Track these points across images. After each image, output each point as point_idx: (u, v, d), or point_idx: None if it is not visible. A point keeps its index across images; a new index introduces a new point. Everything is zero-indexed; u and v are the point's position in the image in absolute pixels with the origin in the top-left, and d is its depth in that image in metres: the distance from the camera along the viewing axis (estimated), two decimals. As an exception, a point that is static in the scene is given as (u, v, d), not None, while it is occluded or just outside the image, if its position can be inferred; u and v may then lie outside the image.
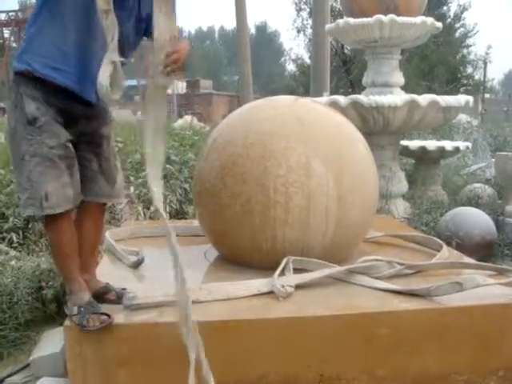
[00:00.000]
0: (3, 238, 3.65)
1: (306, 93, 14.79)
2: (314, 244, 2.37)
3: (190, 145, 6.84)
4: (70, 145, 1.91)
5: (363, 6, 4.97)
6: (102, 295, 2.03)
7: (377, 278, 2.28)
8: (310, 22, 21.78)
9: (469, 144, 6.26)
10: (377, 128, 4.60)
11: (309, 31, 22.90)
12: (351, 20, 4.88)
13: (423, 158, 5.77)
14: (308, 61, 23.92)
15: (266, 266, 2.31)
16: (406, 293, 2.12)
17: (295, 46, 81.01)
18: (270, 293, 2.12)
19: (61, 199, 1.84)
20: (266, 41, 68.64)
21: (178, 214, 4.71)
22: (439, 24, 5.05)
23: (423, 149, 5.64)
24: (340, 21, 5.07)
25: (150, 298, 2.00)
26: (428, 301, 2.06)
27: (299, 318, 1.96)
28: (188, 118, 17.50)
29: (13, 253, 3.36)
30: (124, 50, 1.93)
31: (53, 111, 1.86)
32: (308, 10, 22.94)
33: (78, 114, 1.94)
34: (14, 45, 32.71)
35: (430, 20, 4.87)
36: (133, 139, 6.71)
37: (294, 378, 1.94)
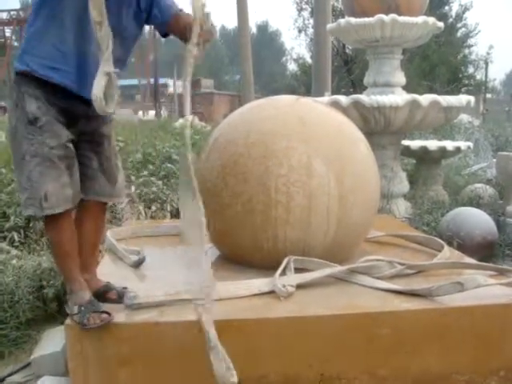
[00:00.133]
0: (4, 237, 3.65)
1: (308, 92, 14.77)
2: (315, 244, 2.37)
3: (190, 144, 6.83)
4: (71, 145, 1.92)
5: (365, 6, 4.96)
6: (102, 294, 2.03)
7: (378, 278, 2.28)
8: (311, 21, 21.79)
9: (470, 144, 6.25)
10: (378, 128, 4.60)
11: (310, 31, 22.92)
12: (353, 20, 4.87)
13: (424, 157, 5.76)
14: (309, 60, 23.92)
15: (267, 265, 2.31)
16: (407, 293, 2.12)
17: (296, 46, 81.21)
18: (271, 292, 2.12)
19: (60, 199, 1.84)
20: (267, 40, 68.62)
21: (178, 214, 4.70)
22: (441, 24, 5.04)
23: (424, 149, 5.63)
24: (341, 20, 5.06)
25: (151, 297, 2.00)
26: (429, 301, 2.06)
27: (300, 318, 1.96)
28: (189, 117, 17.51)
29: (14, 252, 3.37)
30: (125, 43, 1.94)
31: (54, 111, 1.86)
32: (309, 9, 22.92)
33: (79, 113, 1.94)
34: (15, 44, 32.75)
35: (431, 20, 4.86)
36: (134, 138, 6.72)
37: (295, 378, 1.94)
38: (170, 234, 3.10)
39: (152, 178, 4.93)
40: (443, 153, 5.68)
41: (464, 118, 11.53)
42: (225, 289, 2.09)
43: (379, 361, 1.98)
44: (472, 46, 27.36)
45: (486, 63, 27.17)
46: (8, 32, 32.93)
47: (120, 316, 1.90)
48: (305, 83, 22.21)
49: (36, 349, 2.37)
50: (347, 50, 21.37)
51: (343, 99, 4.54)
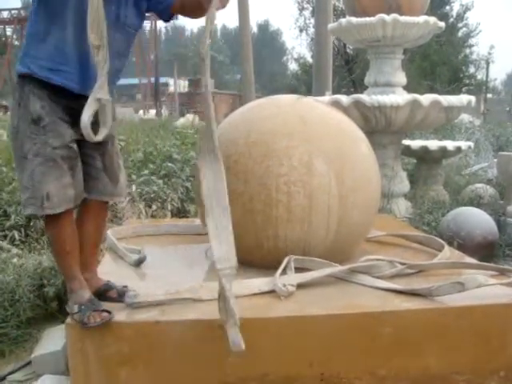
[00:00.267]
0: (5, 236, 3.66)
1: (308, 92, 14.77)
2: (315, 243, 2.37)
3: (191, 143, 6.86)
4: (74, 145, 1.91)
5: (366, 6, 4.96)
6: (103, 293, 2.03)
7: (378, 278, 2.28)
8: (312, 21, 21.76)
9: (471, 144, 6.25)
10: (379, 127, 4.60)
11: (311, 30, 22.88)
12: (354, 19, 4.87)
13: (425, 157, 5.76)
14: (310, 60, 23.92)
15: (267, 264, 2.31)
16: (408, 292, 2.12)
17: (297, 45, 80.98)
18: (272, 292, 2.11)
19: (62, 199, 1.84)
20: (268, 40, 68.66)
21: (179, 213, 4.72)
22: (442, 23, 5.04)
23: (425, 148, 5.64)
24: (342, 20, 5.06)
25: (152, 296, 2.00)
26: (429, 300, 2.06)
27: (300, 317, 1.96)
28: (190, 116, 17.55)
29: (15, 250, 3.37)
30: (125, 33, 1.94)
31: (59, 110, 1.86)
32: (310, 8, 22.89)
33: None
34: (16, 43, 32.77)
35: (432, 19, 4.85)
36: (134, 137, 6.72)
37: (295, 377, 1.94)
38: (171, 233, 3.10)
39: (153, 177, 4.93)
40: (444, 152, 5.68)
41: (465, 117, 11.54)
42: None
43: (379, 360, 1.97)
44: (473, 45, 27.38)
45: (487, 63, 27.18)
46: (9, 31, 32.97)
47: (120, 315, 1.89)
48: (305, 83, 22.22)
49: (36, 347, 2.38)
50: (348, 50, 21.38)
51: (344, 99, 4.54)
